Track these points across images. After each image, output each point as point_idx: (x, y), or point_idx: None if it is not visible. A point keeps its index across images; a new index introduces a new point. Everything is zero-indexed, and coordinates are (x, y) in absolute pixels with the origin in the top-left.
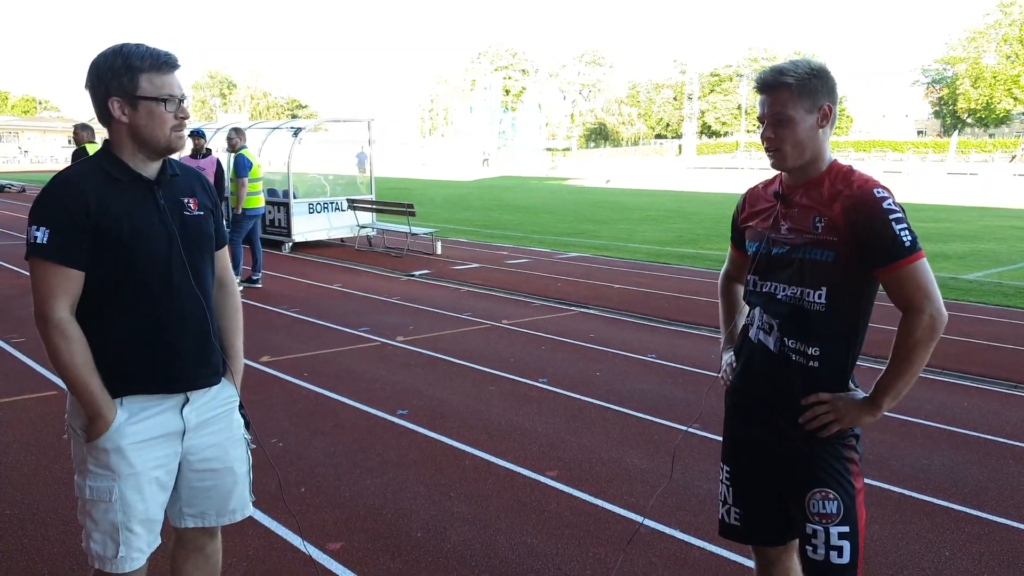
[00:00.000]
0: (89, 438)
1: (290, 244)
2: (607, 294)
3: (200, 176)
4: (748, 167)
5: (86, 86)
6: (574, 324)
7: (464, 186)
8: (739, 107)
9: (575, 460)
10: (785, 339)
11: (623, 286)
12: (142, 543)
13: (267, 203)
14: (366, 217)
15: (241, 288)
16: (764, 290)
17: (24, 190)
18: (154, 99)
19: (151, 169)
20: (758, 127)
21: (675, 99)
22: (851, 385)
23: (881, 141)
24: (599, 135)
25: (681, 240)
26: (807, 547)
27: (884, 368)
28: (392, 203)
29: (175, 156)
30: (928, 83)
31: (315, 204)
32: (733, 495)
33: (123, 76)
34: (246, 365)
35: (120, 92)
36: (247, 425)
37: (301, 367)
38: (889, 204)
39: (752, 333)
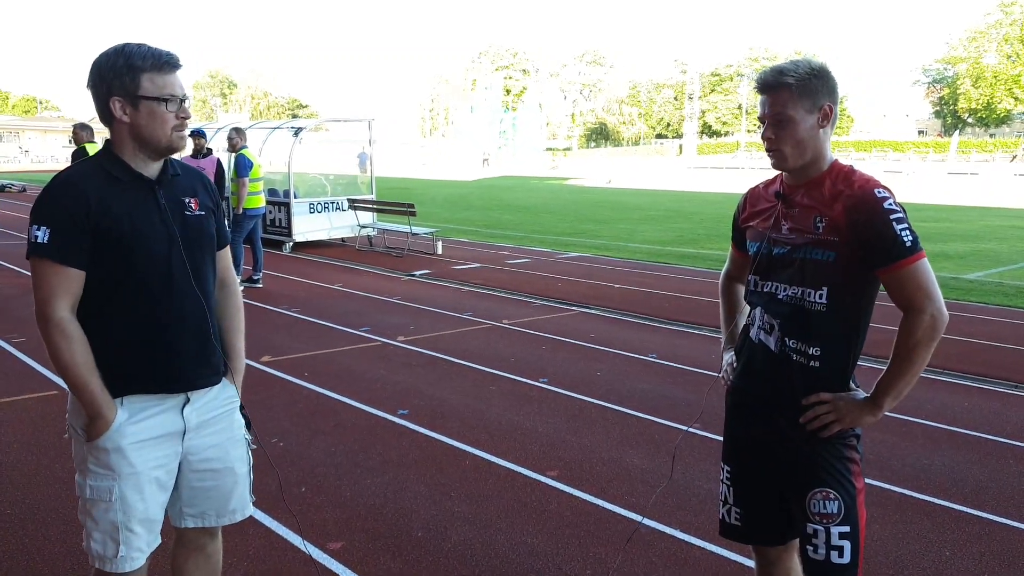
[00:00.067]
0: (89, 437)
1: (291, 244)
2: (608, 294)
3: (202, 176)
4: (749, 167)
5: (88, 85)
6: (575, 324)
7: (465, 186)
8: (740, 107)
9: (575, 460)
10: (786, 339)
11: (624, 286)
12: (142, 543)
13: (268, 203)
14: (367, 217)
15: (242, 288)
16: (765, 290)
17: (25, 190)
18: (155, 99)
19: (152, 169)
20: (759, 127)
21: (676, 99)
22: (852, 385)
23: (882, 141)
24: (600, 135)
25: (682, 240)
26: (808, 547)
27: (885, 368)
28: (393, 203)
29: (176, 156)
30: (929, 83)
31: (316, 204)
32: (734, 495)
33: (125, 76)
34: (247, 365)
35: (122, 92)
36: (248, 426)
37: (302, 367)
38: (890, 204)
39: (753, 333)
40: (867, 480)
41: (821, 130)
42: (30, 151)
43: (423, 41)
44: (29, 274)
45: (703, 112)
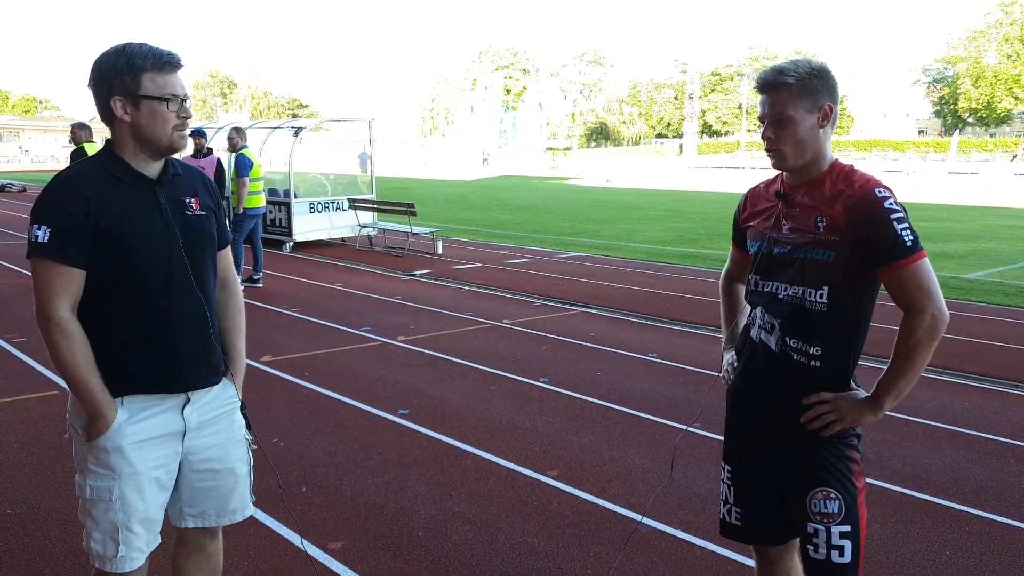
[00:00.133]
0: (89, 437)
1: (291, 244)
2: (608, 294)
3: (203, 176)
4: (749, 166)
5: (89, 85)
6: (575, 324)
7: (465, 186)
8: (740, 106)
9: (576, 460)
10: (787, 338)
11: (624, 286)
12: (142, 543)
13: (268, 203)
14: (367, 217)
15: (242, 288)
16: (766, 290)
17: (25, 190)
18: (156, 98)
19: (153, 169)
20: (759, 126)
21: (676, 98)
22: (853, 384)
23: (882, 140)
24: (600, 134)
25: (682, 239)
26: (808, 546)
27: (886, 367)
28: (393, 203)
29: (177, 156)
30: (929, 82)
31: (316, 204)
32: (734, 494)
33: (126, 75)
34: (247, 365)
35: (123, 91)
36: (248, 426)
37: (302, 367)
38: (891, 204)
39: (754, 332)
40: (868, 480)
41: (821, 130)
42: (30, 151)
43: (423, 41)
44: (29, 274)
45: (703, 112)
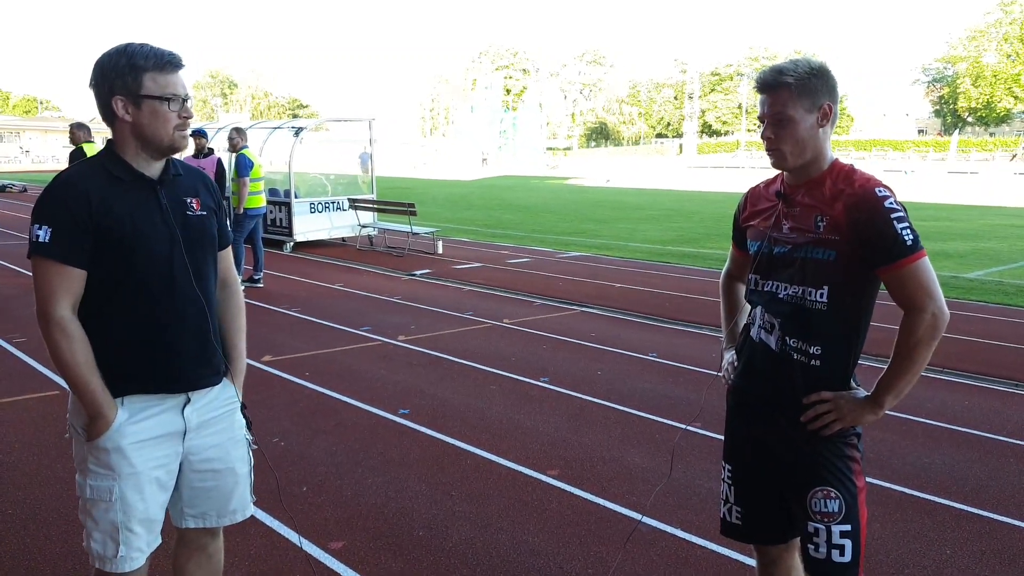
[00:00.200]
0: (90, 437)
1: (291, 244)
2: (608, 293)
3: (204, 176)
4: (749, 166)
5: (90, 85)
6: (575, 323)
7: (465, 185)
8: (740, 106)
9: (576, 459)
10: (787, 338)
11: (624, 285)
12: (142, 543)
13: (268, 203)
14: (367, 216)
15: (243, 288)
16: (766, 289)
17: (26, 190)
18: (158, 98)
19: (154, 169)
20: (759, 126)
21: (676, 98)
22: (853, 384)
23: (882, 140)
24: (600, 134)
25: (682, 239)
26: (809, 546)
27: (886, 367)
28: (393, 202)
29: (178, 156)
30: (929, 82)
31: (316, 204)
32: (735, 494)
33: (127, 75)
34: (248, 364)
35: (124, 91)
36: (248, 426)
37: (303, 366)
38: (891, 203)
39: (754, 332)
40: (868, 479)
41: (821, 129)
42: (31, 151)
43: (423, 41)
44: (30, 274)
45: (703, 111)
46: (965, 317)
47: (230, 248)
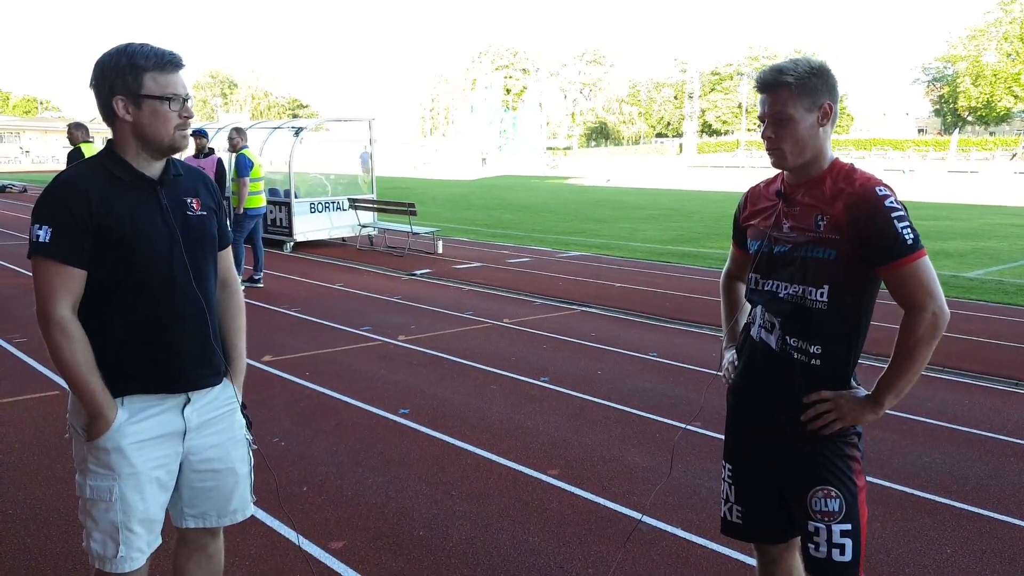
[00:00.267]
0: (90, 437)
1: (292, 244)
2: (608, 293)
3: (204, 176)
4: (749, 165)
5: (90, 85)
6: (575, 323)
7: (465, 185)
8: (740, 105)
9: (577, 459)
10: (787, 337)
11: (624, 285)
12: (142, 543)
13: (268, 203)
14: (367, 216)
15: (243, 288)
16: (766, 288)
17: (26, 190)
18: (158, 98)
19: (154, 169)
20: (759, 126)
21: (676, 98)
22: (853, 383)
23: (882, 139)
24: (600, 134)
25: (682, 239)
26: (809, 545)
27: (886, 366)
28: (393, 202)
29: (178, 156)
30: (929, 81)
31: (316, 203)
32: (735, 493)
33: (127, 75)
34: (248, 364)
35: (124, 91)
36: (249, 426)
37: (303, 366)
38: (891, 202)
39: (754, 331)
40: (868, 478)
41: (821, 129)
42: (31, 151)
43: (423, 41)
44: (30, 274)
45: (703, 111)
46: (965, 316)
47: (230, 248)
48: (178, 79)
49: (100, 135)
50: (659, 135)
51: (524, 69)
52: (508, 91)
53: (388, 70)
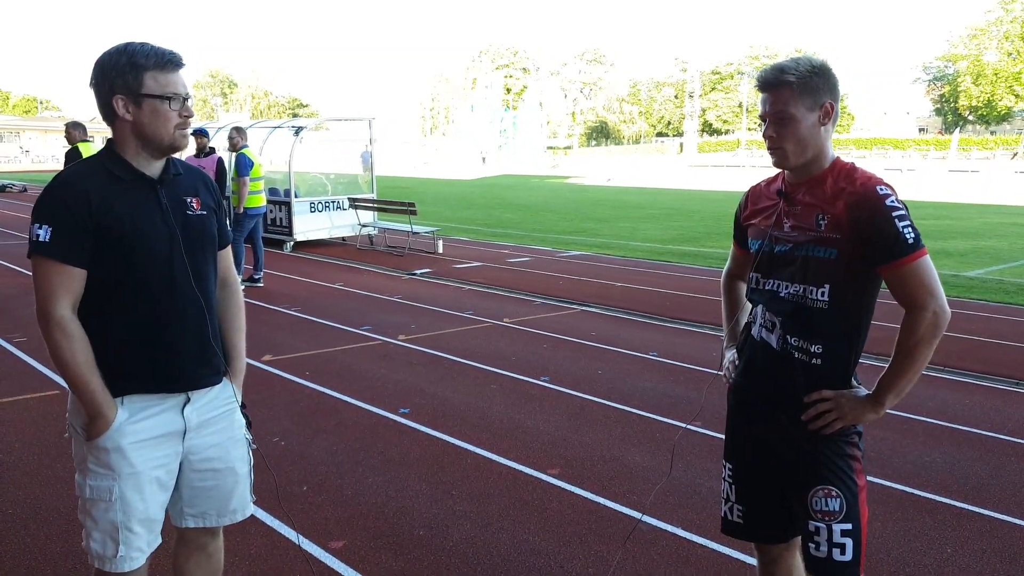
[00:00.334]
0: (89, 437)
1: (292, 243)
2: (609, 292)
3: (203, 175)
4: (749, 165)
5: (91, 84)
6: (576, 322)
7: (465, 185)
8: (740, 105)
9: (577, 458)
10: (788, 337)
11: (625, 284)
12: (142, 543)
13: (268, 202)
14: (367, 216)
15: (243, 287)
16: (767, 288)
17: (26, 190)
18: (158, 97)
19: (154, 168)
20: (760, 125)
21: (676, 97)
22: (854, 382)
23: (882, 139)
24: (600, 133)
25: (682, 238)
26: (810, 544)
27: (887, 365)
28: (393, 202)
29: (178, 155)
30: (929, 80)
31: (316, 203)
32: (736, 492)
33: (128, 74)
34: (248, 364)
35: (124, 90)
36: (248, 425)
37: (303, 366)
38: (892, 201)
39: (755, 331)
40: (869, 478)
41: (822, 128)
42: (30, 151)
43: (423, 40)
44: (30, 274)
45: (704, 110)
46: (966, 316)
47: (230, 248)
48: (178, 78)
49: (100, 134)
50: (660, 134)
51: (524, 68)
52: (508, 90)
53: (388, 70)
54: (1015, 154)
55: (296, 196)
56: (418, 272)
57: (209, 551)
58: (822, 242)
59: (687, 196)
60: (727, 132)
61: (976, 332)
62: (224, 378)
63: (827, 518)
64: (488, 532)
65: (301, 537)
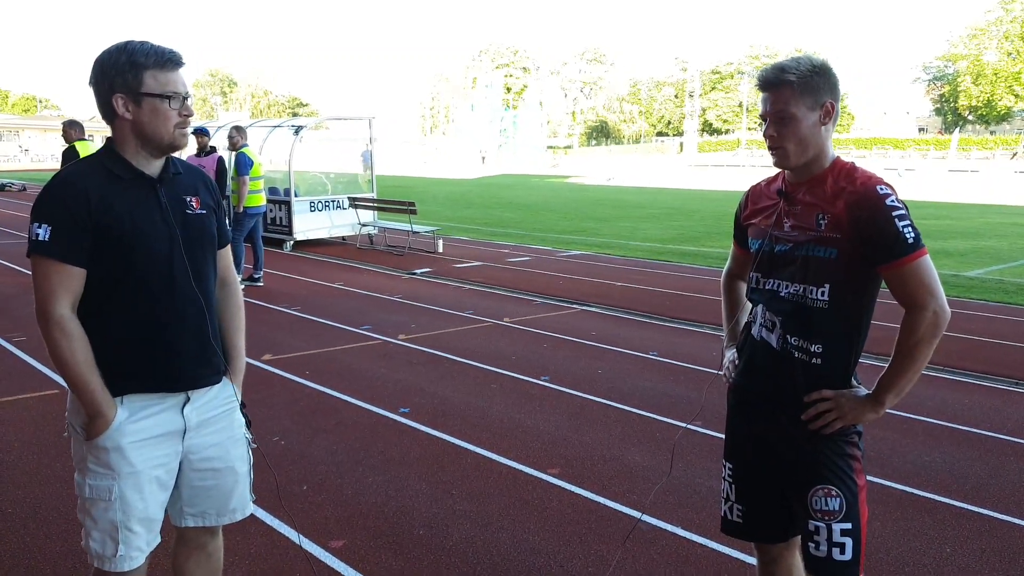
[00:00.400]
0: (89, 436)
1: (291, 242)
2: (609, 292)
3: (203, 175)
4: (749, 164)
5: (90, 82)
6: (576, 322)
7: (465, 184)
8: (740, 104)
9: (577, 458)
10: (788, 336)
11: (625, 284)
12: (141, 542)
13: (268, 201)
14: (367, 215)
15: (243, 286)
16: (767, 287)
17: (25, 189)
18: (158, 96)
19: (154, 167)
20: (760, 124)
21: (676, 96)
22: (854, 382)
23: (882, 138)
24: (600, 133)
25: (682, 238)
26: (809, 544)
27: (887, 365)
28: (393, 201)
29: (179, 154)
30: (929, 80)
31: (316, 202)
32: (736, 492)
33: (127, 73)
34: (248, 363)
35: (124, 89)
36: (248, 425)
37: (303, 365)
38: (892, 201)
39: (755, 330)
40: (869, 477)
41: (823, 127)
42: (30, 150)
43: (423, 40)
44: (30, 273)
45: (704, 110)
46: (966, 315)
47: (229, 247)
48: (178, 77)
49: (100, 133)
50: (660, 134)
51: (524, 68)
52: (508, 90)
53: (388, 69)
54: (1015, 154)
55: (296, 195)
56: (418, 271)
57: (208, 550)
58: (822, 242)
59: (687, 196)
60: (727, 132)
61: (976, 332)
62: (224, 377)
63: (827, 517)
64: (488, 531)
65: (301, 537)
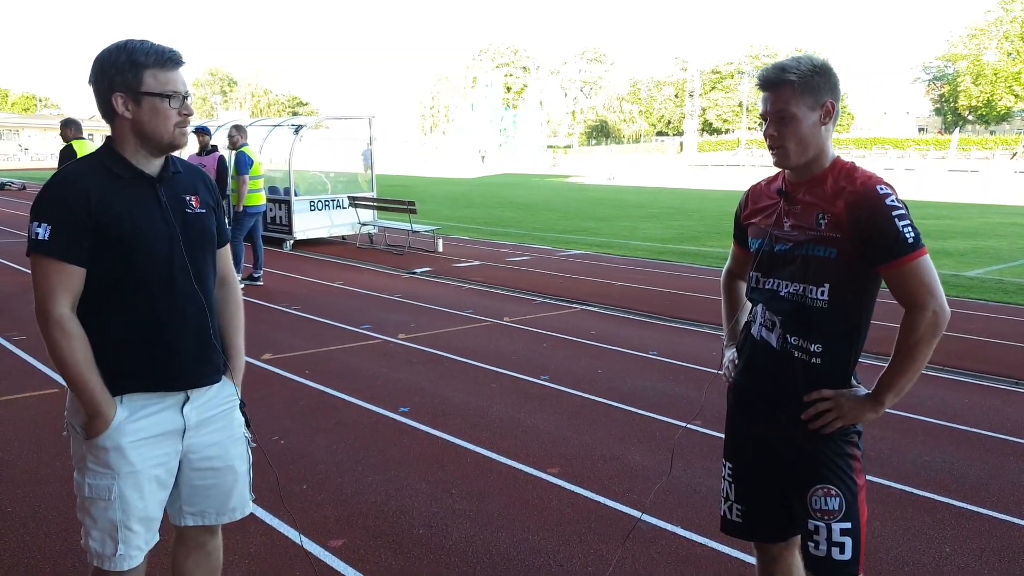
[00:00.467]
0: (88, 436)
1: (291, 242)
2: (609, 291)
3: (203, 174)
4: (749, 164)
5: (90, 81)
6: (576, 321)
7: (465, 183)
8: (740, 104)
9: (577, 457)
10: (788, 336)
11: (625, 283)
12: (140, 541)
13: (268, 200)
14: (367, 214)
15: (242, 286)
16: (767, 287)
17: (24, 188)
18: (158, 95)
19: (153, 166)
20: (760, 124)
21: (676, 96)
22: (854, 382)
23: (882, 138)
24: (600, 132)
25: (682, 237)
26: (809, 543)
27: (886, 365)
28: (393, 200)
29: (179, 153)
30: (929, 80)
31: (316, 201)
32: (735, 492)
33: (127, 72)
34: (247, 363)
35: (124, 88)
36: (247, 424)
37: (303, 365)
38: (892, 201)
39: (755, 330)
40: (868, 477)
41: (823, 127)
42: (29, 149)
43: (423, 39)
44: (29, 272)
45: (704, 109)
46: (965, 315)
47: (228, 246)
48: (178, 76)
49: (99, 132)
50: (660, 133)
51: (524, 67)
52: (508, 89)
53: (388, 69)
54: (1014, 154)
55: (296, 194)
56: (418, 271)
57: (208, 549)
58: (822, 241)
59: (687, 195)
60: (727, 131)
61: (976, 332)
62: (224, 376)
63: (826, 517)
64: (488, 531)
65: (301, 536)
